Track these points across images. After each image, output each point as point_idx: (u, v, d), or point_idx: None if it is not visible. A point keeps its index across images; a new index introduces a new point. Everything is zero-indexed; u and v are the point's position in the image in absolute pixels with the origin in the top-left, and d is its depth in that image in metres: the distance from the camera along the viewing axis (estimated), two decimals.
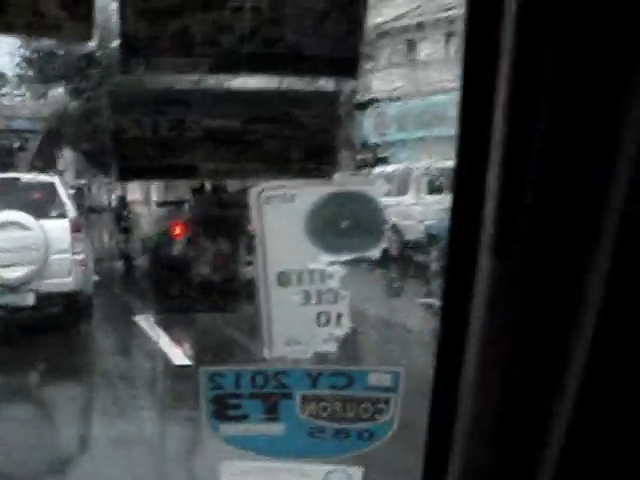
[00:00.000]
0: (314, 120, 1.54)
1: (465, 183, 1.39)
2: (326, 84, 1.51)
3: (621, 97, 1.19)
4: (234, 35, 1.48)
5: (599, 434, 1.32)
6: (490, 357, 1.45)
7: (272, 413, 1.77)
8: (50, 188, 8.00)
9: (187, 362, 7.11)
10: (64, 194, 8.06)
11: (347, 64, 1.49)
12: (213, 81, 1.53)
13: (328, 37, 1.46)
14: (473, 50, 1.32)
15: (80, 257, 7.64)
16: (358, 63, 1.49)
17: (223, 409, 1.74)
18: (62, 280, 7.41)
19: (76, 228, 7.71)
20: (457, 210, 1.43)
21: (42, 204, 7.77)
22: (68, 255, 7.49)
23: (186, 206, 10.89)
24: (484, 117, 1.29)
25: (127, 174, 1.56)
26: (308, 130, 1.54)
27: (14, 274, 7.11)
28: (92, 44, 1.48)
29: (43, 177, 8.92)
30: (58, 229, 7.55)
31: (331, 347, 1.75)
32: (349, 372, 1.75)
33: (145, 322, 8.12)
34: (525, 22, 1.21)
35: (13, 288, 7.16)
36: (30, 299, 7.31)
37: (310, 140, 1.55)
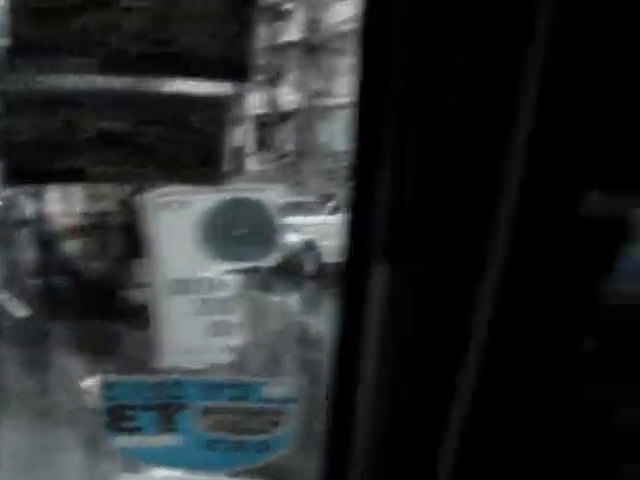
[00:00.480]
0: (206, 124, 1.51)
1: (359, 195, 1.39)
2: (219, 87, 1.48)
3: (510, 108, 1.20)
4: (124, 35, 1.44)
5: (494, 437, 1.33)
6: (385, 363, 1.44)
7: (168, 425, 1.73)
8: None
9: None
10: None
11: (238, 67, 1.46)
12: (104, 82, 1.48)
13: (219, 39, 1.43)
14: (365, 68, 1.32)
15: None
16: (249, 66, 1.47)
17: (117, 421, 1.69)
18: None
19: None
20: (353, 221, 1.43)
21: None
22: None
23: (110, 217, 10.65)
24: (374, 132, 1.30)
25: (15, 178, 1.50)
26: (200, 134, 1.51)
27: None
28: None
29: None
30: None
31: (227, 358, 1.72)
32: (245, 384, 1.72)
33: None
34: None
35: None
36: None
37: (202, 145, 1.51)
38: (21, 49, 1.42)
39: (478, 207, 1.30)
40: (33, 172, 1.50)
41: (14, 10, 1.40)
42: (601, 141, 1.19)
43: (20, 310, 7.58)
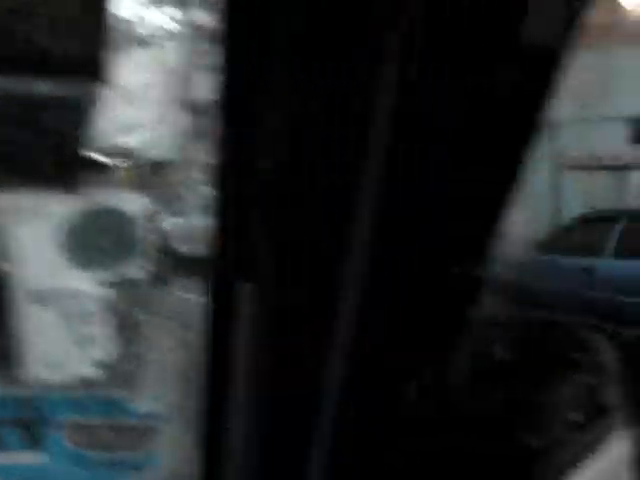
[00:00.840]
0: (58, 126, 1.47)
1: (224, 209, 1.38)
2: (71, 86, 1.44)
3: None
4: None
5: (361, 443, 1.34)
6: (253, 374, 1.44)
7: (32, 441, 1.67)
8: None
9: None
10: None
11: (92, 65, 1.43)
12: None
13: (71, 37, 1.40)
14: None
15: None
16: (102, 65, 1.44)
17: None
18: None
19: None
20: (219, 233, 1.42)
21: None
22: None
23: None
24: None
25: None
26: (52, 136, 1.47)
27: None
28: None
29: None
30: None
31: (94, 371, 1.67)
32: (113, 399, 1.68)
33: None
34: None
35: None
36: None
37: (56, 150, 1.48)
38: None
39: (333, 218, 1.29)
40: None
41: None
42: None
43: None
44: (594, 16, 1.24)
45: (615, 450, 1.78)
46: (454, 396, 1.39)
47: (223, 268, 1.43)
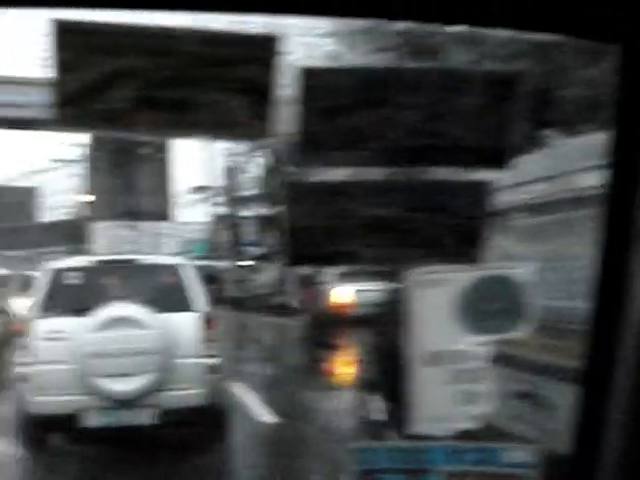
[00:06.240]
0: (465, 209, 1.74)
1: None
2: (477, 175, 1.71)
3: None
4: (398, 130, 1.66)
5: None
6: None
7: None
8: (173, 272, 6.45)
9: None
10: (192, 280, 6.45)
11: (496, 156, 1.69)
12: (376, 172, 1.71)
13: (481, 130, 1.65)
14: None
15: (213, 362, 6.10)
16: (506, 154, 1.70)
17: None
18: (191, 392, 5.97)
19: (208, 325, 6.10)
20: None
21: (163, 293, 6.28)
22: (198, 360, 6.05)
23: None
24: None
25: (295, 260, 1.72)
26: (459, 218, 1.73)
27: (129, 385, 5.71)
28: None
29: (164, 259, 7.42)
30: (184, 326, 6.10)
31: (471, 425, 1.92)
32: (489, 449, 1.92)
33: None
34: None
35: (127, 403, 5.75)
36: (149, 416, 5.89)
37: (461, 227, 1.74)
38: (307, 144, 1.64)
39: None
40: (311, 255, 1.72)
41: (302, 110, 1.62)
42: None
43: None
44: None
45: None
46: None
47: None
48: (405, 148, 1.69)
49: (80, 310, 6.01)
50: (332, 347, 14.04)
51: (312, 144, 1.63)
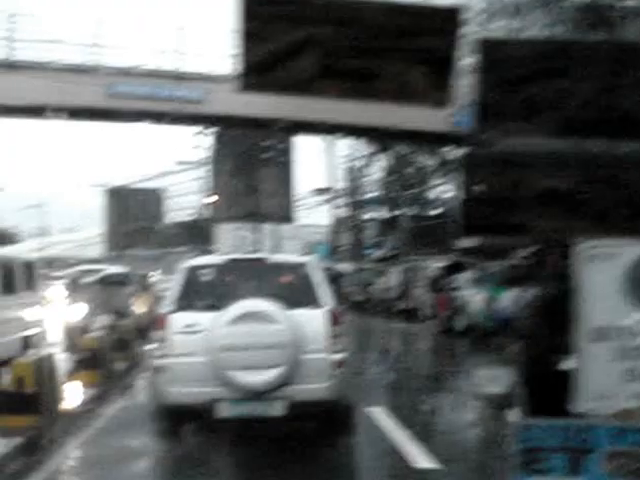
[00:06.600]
0: (635, 182, 1.73)
1: None
2: None
3: None
4: (574, 102, 1.68)
5: None
6: None
7: (575, 467, 1.91)
8: (302, 271, 6.74)
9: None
10: (319, 278, 6.69)
11: None
12: (550, 144, 1.72)
13: None
14: None
15: (339, 357, 6.24)
16: None
17: (530, 462, 1.89)
18: (317, 385, 6.11)
19: (335, 321, 6.34)
20: None
21: (293, 290, 6.58)
22: (325, 355, 6.21)
23: None
24: None
25: (467, 230, 1.75)
26: (632, 191, 1.73)
27: (261, 377, 5.94)
28: None
29: (294, 258, 7.82)
30: (312, 322, 6.29)
31: (634, 404, 1.90)
32: None
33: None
34: None
35: (259, 395, 5.98)
36: (280, 408, 6.04)
37: (633, 201, 1.74)
38: (486, 115, 1.67)
39: None
40: (482, 225, 1.75)
41: (481, 81, 1.66)
42: None
43: None
44: None
45: None
46: None
47: None
48: (581, 120, 1.70)
49: (214, 306, 6.21)
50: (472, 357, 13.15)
51: (491, 114, 1.66)
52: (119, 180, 67.60)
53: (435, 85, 1.59)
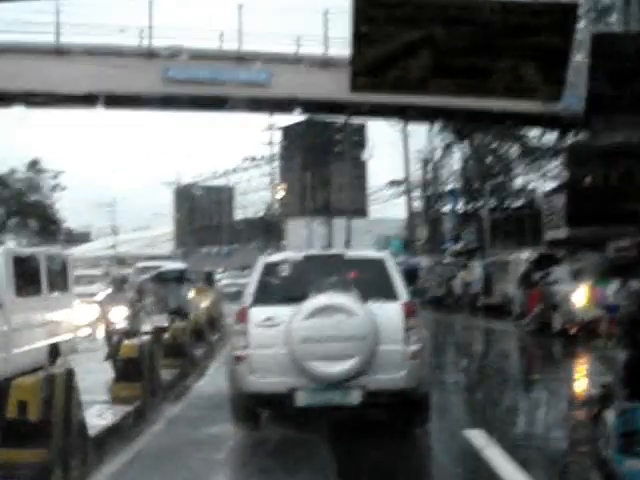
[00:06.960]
0: None
1: None
2: None
3: None
4: None
5: None
6: None
7: None
8: (378, 266, 6.97)
9: None
10: (395, 272, 6.91)
11: None
12: None
13: None
14: None
15: (414, 348, 6.38)
16: None
17: (630, 445, 1.93)
18: (393, 375, 6.31)
19: (410, 313, 6.52)
20: None
21: (369, 284, 6.71)
22: (400, 346, 6.39)
23: None
24: None
25: (577, 220, 1.79)
26: None
27: (338, 368, 6.12)
28: None
29: (370, 253, 8.04)
30: (388, 314, 6.47)
31: None
32: None
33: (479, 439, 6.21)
34: None
35: (335, 385, 6.20)
36: (356, 397, 6.24)
37: None
38: (595, 107, 1.70)
39: None
40: (593, 215, 1.79)
41: (594, 73, 1.69)
42: None
43: None
44: None
45: None
46: None
47: None
48: None
49: (292, 299, 6.39)
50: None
51: (600, 107, 1.69)
52: (188, 177, 68.37)
53: (549, 79, 1.63)
